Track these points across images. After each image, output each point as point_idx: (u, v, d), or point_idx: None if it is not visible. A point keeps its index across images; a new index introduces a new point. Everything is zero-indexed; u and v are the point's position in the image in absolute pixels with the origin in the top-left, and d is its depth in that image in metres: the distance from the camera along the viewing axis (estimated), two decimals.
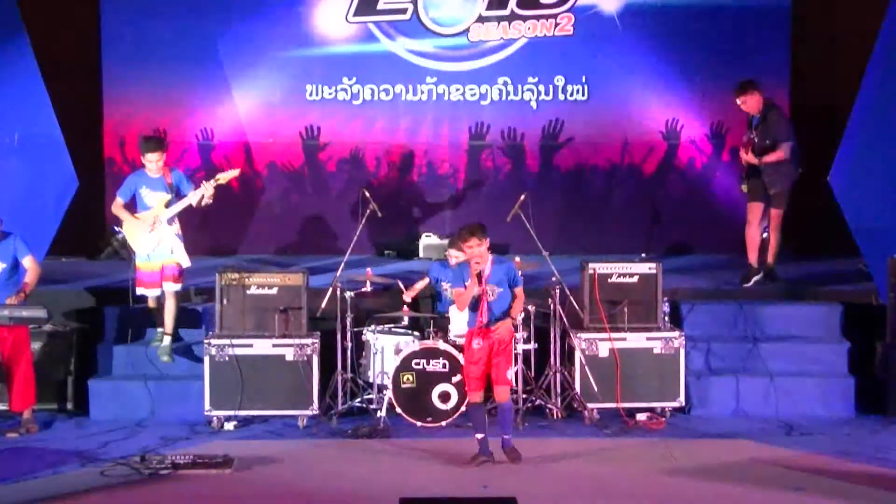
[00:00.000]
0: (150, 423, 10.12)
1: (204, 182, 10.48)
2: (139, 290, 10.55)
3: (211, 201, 10.54)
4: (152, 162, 10.44)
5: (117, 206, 10.61)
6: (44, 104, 11.93)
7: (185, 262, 10.51)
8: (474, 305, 9.22)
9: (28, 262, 10.23)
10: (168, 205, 10.41)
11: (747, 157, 11.66)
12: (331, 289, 10.69)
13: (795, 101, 13.89)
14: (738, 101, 11.74)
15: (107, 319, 11.15)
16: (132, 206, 10.59)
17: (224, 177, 10.61)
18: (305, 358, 10.31)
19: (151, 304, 10.63)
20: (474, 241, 9.11)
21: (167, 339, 10.54)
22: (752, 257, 11.83)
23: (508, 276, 9.27)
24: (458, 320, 10.32)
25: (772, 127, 11.55)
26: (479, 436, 9.22)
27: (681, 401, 10.49)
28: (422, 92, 14.14)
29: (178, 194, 10.51)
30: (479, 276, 9.09)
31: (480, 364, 9.24)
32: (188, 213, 13.62)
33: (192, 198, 10.46)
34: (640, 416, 10.38)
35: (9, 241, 10.19)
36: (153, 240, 10.43)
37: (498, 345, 9.25)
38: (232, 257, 13.66)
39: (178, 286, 10.55)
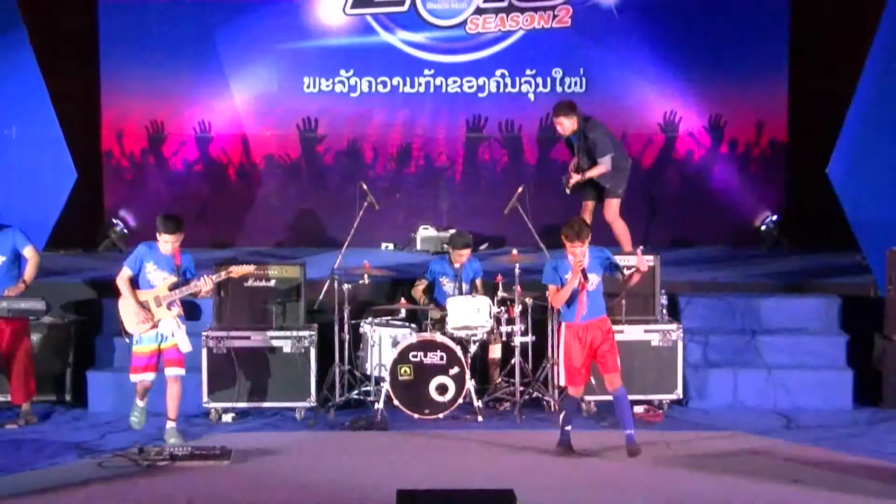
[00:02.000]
0: (148, 415, 10.08)
1: (205, 276, 9.60)
2: (132, 377, 9.65)
3: (209, 296, 10.02)
4: (168, 243, 9.54)
5: (123, 280, 9.62)
6: (42, 97, 11.93)
7: (186, 348, 9.60)
8: (571, 299, 9.22)
9: (28, 251, 10.20)
10: (171, 287, 9.56)
11: (573, 180, 11.31)
12: (328, 281, 10.69)
13: (794, 93, 13.90)
14: (555, 122, 11.47)
15: (105, 312, 11.13)
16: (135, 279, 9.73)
17: (238, 270, 9.93)
18: (303, 350, 10.30)
19: (141, 390, 9.70)
20: (578, 244, 9.10)
21: (171, 425, 9.59)
22: None
23: (602, 262, 9.35)
24: (456, 313, 10.33)
25: (592, 145, 11.37)
26: (568, 427, 9.22)
27: (678, 393, 10.48)
28: (419, 84, 14.13)
29: (184, 277, 9.69)
30: (584, 273, 9.12)
31: (581, 358, 9.24)
32: (187, 205, 13.71)
33: (195, 288, 9.55)
34: (638, 409, 10.35)
35: (7, 234, 10.17)
36: (150, 321, 9.57)
37: (602, 336, 9.25)
38: (229, 250, 13.66)
39: (181, 371, 9.66)
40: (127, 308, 9.60)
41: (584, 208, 11.53)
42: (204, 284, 9.58)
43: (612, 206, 11.42)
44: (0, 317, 10.00)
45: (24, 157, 11.91)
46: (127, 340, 9.68)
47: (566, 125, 11.35)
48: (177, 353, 9.59)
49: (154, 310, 9.52)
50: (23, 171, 11.85)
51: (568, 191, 11.39)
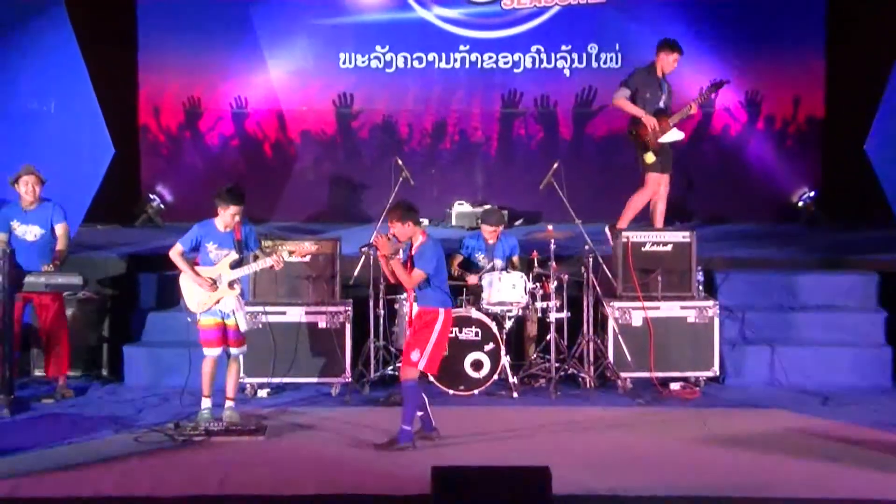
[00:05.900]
0: (184, 389, 10.13)
1: (267, 258, 9.42)
2: (206, 351, 9.42)
3: (279, 266, 9.57)
4: (230, 217, 9.30)
5: (176, 254, 9.37)
6: (80, 73, 11.98)
7: (243, 327, 9.42)
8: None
9: (60, 228, 10.25)
10: (233, 266, 9.37)
11: (675, 129, 11.33)
12: (363, 256, 10.69)
13: (831, 68, 13.76)
14: (675, 59, 11.39)
15: (141, 286, 11.21)
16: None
17: (301, 249, 9.91)
18: (338, 325, 10.32)
19: (207, 368, 9.40)
20: (392, 223, 8.95)
21: (230, 404, 9.49)
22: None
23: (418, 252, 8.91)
24: (491, 289, 10.31)
25: (668, 95, 11.33)
26: (419, 413, 8.92)
27: (715, 370, 10.43)
28: (455, 60, 14.10)
29: (246, 249, 9.48)
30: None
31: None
32: (223, 180, 13.70)
33: (260, 265, 9.48)
34: (674, 386, 10.35)
35: (47, 207, 10.25)
36: (210, 299, 9.36)
37: (416, 320, 8.99)
38: (264, 224, 13.68)
39: (243, 349, 9.58)
40: (187, 284, 9.42)
41: (663, 183, 11.46)
42: (271, 261, 9.39)
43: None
44: (38, 291, 10.05)
45: (63, 132, 11.97)
46: (189, 320, 9.48)
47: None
48: (238, 332, 9.44)
49: (214, 289, 9.34)
50: (61, 145, 11.92)
51: (652, 153, 11.30)
